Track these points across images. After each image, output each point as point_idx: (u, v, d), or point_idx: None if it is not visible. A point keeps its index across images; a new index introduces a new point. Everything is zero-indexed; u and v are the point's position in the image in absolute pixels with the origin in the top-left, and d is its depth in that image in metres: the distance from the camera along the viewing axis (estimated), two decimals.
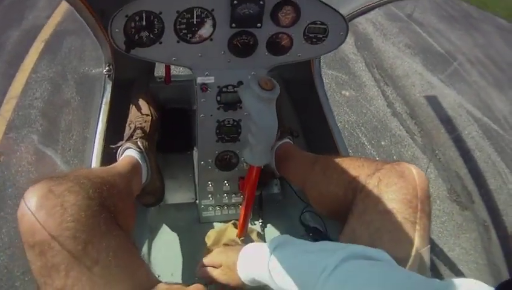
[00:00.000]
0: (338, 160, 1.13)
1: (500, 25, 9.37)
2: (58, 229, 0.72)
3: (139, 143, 1.35)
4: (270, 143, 1.16)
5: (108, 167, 1.22)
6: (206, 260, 1.13)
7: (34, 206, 0.73)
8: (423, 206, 0.91)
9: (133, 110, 1.63)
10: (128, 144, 1.34)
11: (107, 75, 1.68)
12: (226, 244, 1.36)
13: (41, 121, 2.96)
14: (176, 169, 1.75)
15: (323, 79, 1.84)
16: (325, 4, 1.25)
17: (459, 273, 2.31)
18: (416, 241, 0.87)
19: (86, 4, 1.34)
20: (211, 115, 1.36)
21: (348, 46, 4.10)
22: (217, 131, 1.40)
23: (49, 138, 2.87)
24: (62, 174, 0.84)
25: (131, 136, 1.42)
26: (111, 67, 1.67)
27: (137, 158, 1.30)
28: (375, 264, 0.79)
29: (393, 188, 0.93)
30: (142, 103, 1.64)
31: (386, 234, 0.88)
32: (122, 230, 0.87)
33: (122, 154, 1.34)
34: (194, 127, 1.46)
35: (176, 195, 1.70)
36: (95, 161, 1.42)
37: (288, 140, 1.48)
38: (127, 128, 1.47)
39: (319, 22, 1.27)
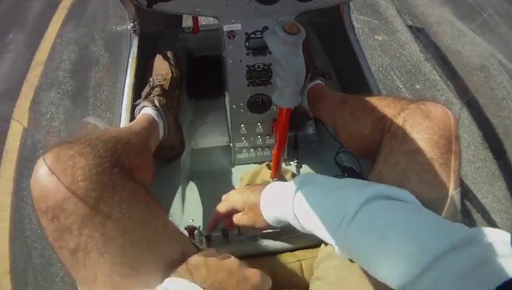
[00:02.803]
0: (367, 99, 1.10)
1: None
2: (70, 190, 0.72)
3: (155, 101, 1.35)
4: (298, 86, 1.14)
5: (124, 126, 1.28)
6: (225, 204, 1.10)
7: (46, 171, 0.73)
8: (451, 147, 0.86)
9: (153, 67, 1.64)
10: (145, 102, 1.35)
11: (132, 31, 1.65)
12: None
13: (70, 82, 2.95)
14: (209, 114, 1.75)
15: (354, 24, 1.79)
16: None
17: (490, 222, 2.30)
18: (446, 183, 0.83)
19: None
20: (241, 61, 1.35)
21: None
22: (248, 76, 1.38)
23: (79, 96, 2.88)
24: (74, 138, 0.84)
25: (149, 94, 1.43)
26: (135, 23, 1.63)
27: (154, 116, 1.30)
28: (399, 205, 0.76)
29: (418, 128, 0.89)
30: (161, 60, 1.64)
31: (413, 175, 0.85)
32: (137, 183, 0.86)
33: (139, 112, 1.36)
34: (224, 72, 1.46)
35: (210, 139, 1.71)
36: (124, 116, 1.43)
37: (320, 81, 1.47)
38: (147, 86, 1.50)
39: None
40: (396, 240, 0.70)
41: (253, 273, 0.80)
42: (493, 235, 0.63)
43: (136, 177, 0.89)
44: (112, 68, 3.00)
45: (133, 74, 1.57)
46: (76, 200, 0.72)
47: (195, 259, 0.78)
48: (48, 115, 2.71)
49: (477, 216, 2.31)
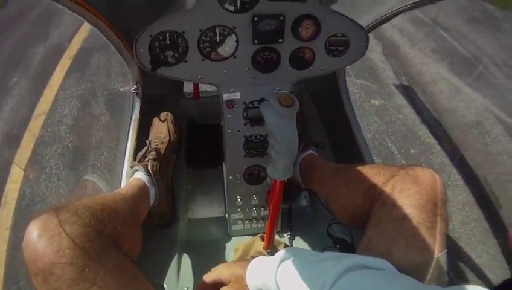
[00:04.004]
0: (357, 169, 1.15)
1: None
2: (57, 256, 0.79)
3: (149, 166, 1.37)
4: (291, 158, 1.19)
5: (113, 192, 1.25)
6: (213, 275, 1.15)
7: (35, 237, 0.81)
8: (438, 210, 0.91)
9: (152, 129, 1.70)
10: (138, 166, 1.38)
11: (135, 93, 1.72)
12: (253, 257, 1.44)
13: (71, 138, 2.98)
14: (206, 184, 1.80)
15: (352, 89, 1.93)
16: (345, 16, 1.27)
17: (486, 280, 2.35)
18: (432, 246, 0.87)
19: (109, 25, 1.37)
20: (238, 131, 1.39)
21: (376, 55, 4.20)
22: (245, 146, 1.43)
23: (80, 154, 2.89)
24: (62, 205, 0.91)
25: (144, 157, 1.46)
26: (139, 85, 1.70)
27: (146, 182, 1.33)
28: (375, 274, 0.79)
29: (407, 193, 0.93)
30: (161, 123, 1.70)
31: (401, 241, 0.88)
32: (123, 254, 0.93)
33: (132, 175, 1.38)
34: (223, 142, 1.48)
35: (206, 210, 1.76)
36: (124, 179, 1.49)
37: (312, 151, 1.51)
38: (144, 148, 1.52)
39: (339, 35, 1.28)
40: None
41: None
42: None
43: (122, 246, 0.96)
44: (112, 128, 3.01)
45: (134, 137, 1.63)
46: (63, 265, 0.79)
47: None
48: (48, 169, 2.74)
49: (471, 276, 2.36)
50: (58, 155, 2.84)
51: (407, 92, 3.75)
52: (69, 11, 1.21)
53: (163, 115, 1.78)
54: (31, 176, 2.71)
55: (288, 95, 1.11)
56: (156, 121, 1.75)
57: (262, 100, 1.33)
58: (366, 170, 1.12)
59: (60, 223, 0.84)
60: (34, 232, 0.82)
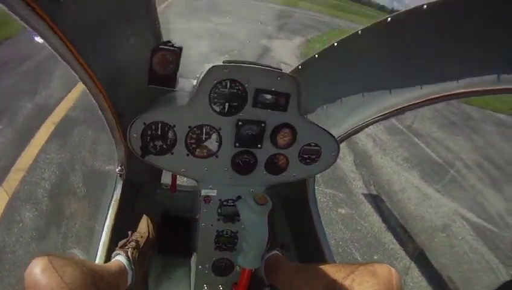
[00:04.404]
0: (319, 267, 1.21)
1: (500, 121, 9.91)
2: (58, 287, 0.93)
3: (129, 253, 1.49)
4: (261, 249, 1.27)
5: (100, 264, 1.44)
6: None
7: (39, 269, 0.94)
8: None
9: (135, 220, 1.81)
10: (120, 251, 1.50)
11: (118, 174, 1.81)
12: None
13: (46, 202, 3.00)
14: (175, 271, 1.82)
15: (320, 197, 2.05)
16: (319, 127, 1.42)
17: None
18: None
19: (109, 104, 1.41)
20: (212, 225, 1.48)
21: (347, 165, 4.54)
22: (216, 240, 1.52)
23: (53, 221, 2.88)
24: (61, 254, 1.05)
25: (125, 245, 1.58)
26: (123, 167, 1.78)
27: (125, 264, 1.44)
28: None
29: (365, 285, 1.01)
30: (143, 219, 1.82)
31: None
32: None
33: (114, 256, 1.51)
34: (193, 234, 1.58)
35: None
36: (100, 254, 1.57)
37: (277, 252, 1.59)
38: (126, 238, 1.64)
39: (313, 144, 1.43)
40: None
41: None
42: None
43: None
44: (86, 205, 3.02)
45: (113, 216, 1.71)
46: None
47: None
48: (21, 225, 2.74)
49: None
50: (32, 215, 2.86)
51: (375, 200, 4.04)
52: (68, 68, 1.16)
53: (143, 208, 1.90)
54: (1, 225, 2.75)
55: (263, 195, 1.21)
56: (137, 212, 1.89)
57: (239, 197, 1.43)
58: (328, 268, 1.18)
59: (63, 264, 0.98)
60: (38, 265, 0.96)
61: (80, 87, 4.47)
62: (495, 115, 10.33)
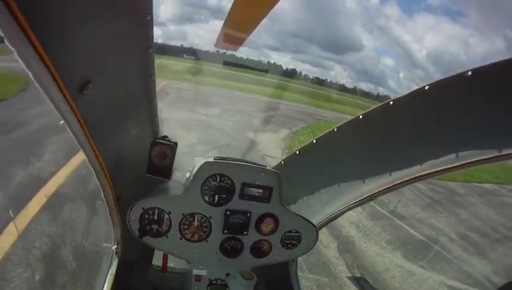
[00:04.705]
0: None
1: (485, 190, 10.18)
2: None
3: None
4: None
5: None
6: None
7: None
8: None
9: None
10: None
11: (114, 252, 1.87)
12: None
13: (38, 270, 3.01)
14: None
15: (304, 282, 2.27)
16: (300, 216, 1.56)
17: None
18: None
19: (111, 188, 1.46)
20: None
21: (331, 251, 4.73)
22: None
23: (44, 285, 2.89)
24: None
25: None
26: (119, 246, 1.84)
27: None
28: None
29: None
30: None
31: None
32: None
33: None
34: None
35: None
36: None
37: None
38: None
39: (294, 231, 1.56)
40: None
41: None
42: None
43: None
44: (76, 279, 3.04)
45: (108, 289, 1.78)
46: None
47: None
48: (12, 285, 2.77)
49: None
50: (23, 277, 2.86)
51: (359, 282, 4.20)
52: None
53: (136, 287, 2.03)
54: None
55: (249, 272, 1.46)
56: (130, 289, 2.01)
57: (228, 274, 1.59)
58: None
59: None
60: None
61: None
62: (480, 186, 10.78)
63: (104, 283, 1.81)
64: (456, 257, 5.21)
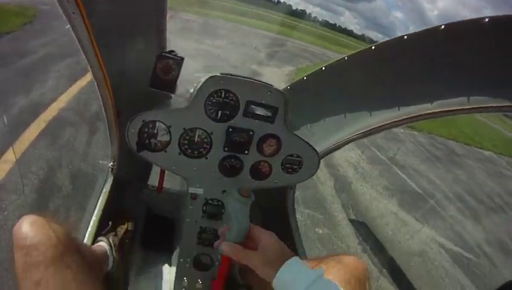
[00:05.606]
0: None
1: (485, 157, 10.14)
2: (45, 238, 1.00)
3: (110, 239, 1.63)
4: (241, 237, 1.32)
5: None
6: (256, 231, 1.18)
7: (28, 223, 1.02)
8: (362, 285, 1.08)
9: (121, 214, 1.90)
10: (102, 238, 1.64)
11: (110, 169, 1.91)
12: None
13: (32, 195, 2.99)
14: (156, 265, 1.88)
15: (298, 216, 2.13)
16: (303, 140, 1.52)
17: None
18: None
19: (112, 102, 1.49)
20: (196, 221, 1.58)
21: (327, 188, 4.59)
22: (199, 235, 1.61)
23: (36, 212, 2.91)
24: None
25: (107, 232, 1.71)
26: (115, 163, 1.88)
27: (107, 249, 1.57)
28: None
29: (332, 270, 1.10)
30: (128, 213, 1.92)
31: None
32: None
33: (97, 242, 1.63)
34: (177, 233, 1.66)
35: (153, 288, 1.82)
36: (87, 237, 1.67)
37: None
38: (108, 227, 1.75)
39: (295, 155, 1.53)
40: None
41: None
42: None
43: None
44: (71, 201, 3.02)
45: (102, 207, 1.79)
46: (48, 246, 0.98)
47: None
48: (6, 213, 2.73)
49: None
50: (16, 205, 2.83)
51: (353, 223, 4.08)
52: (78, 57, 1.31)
53: (129, 204, 2.02)
54: None
55: (246, 188, 1.31)
56: (123, 206, 1.98)
57: (223, 191, 1.56)
58: None
59: (50, 220, 1.05)
60: (27, 220, 1.03)
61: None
62: (480, 152, 10.67)
63: (97, 201, 1.80)
64: (451, 216, 5.13)
